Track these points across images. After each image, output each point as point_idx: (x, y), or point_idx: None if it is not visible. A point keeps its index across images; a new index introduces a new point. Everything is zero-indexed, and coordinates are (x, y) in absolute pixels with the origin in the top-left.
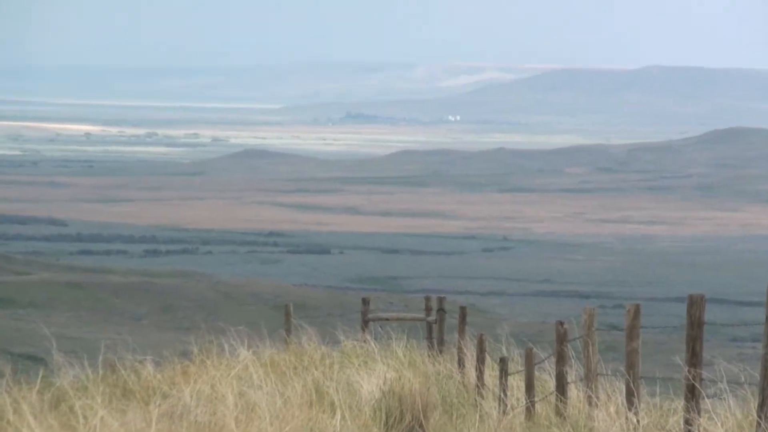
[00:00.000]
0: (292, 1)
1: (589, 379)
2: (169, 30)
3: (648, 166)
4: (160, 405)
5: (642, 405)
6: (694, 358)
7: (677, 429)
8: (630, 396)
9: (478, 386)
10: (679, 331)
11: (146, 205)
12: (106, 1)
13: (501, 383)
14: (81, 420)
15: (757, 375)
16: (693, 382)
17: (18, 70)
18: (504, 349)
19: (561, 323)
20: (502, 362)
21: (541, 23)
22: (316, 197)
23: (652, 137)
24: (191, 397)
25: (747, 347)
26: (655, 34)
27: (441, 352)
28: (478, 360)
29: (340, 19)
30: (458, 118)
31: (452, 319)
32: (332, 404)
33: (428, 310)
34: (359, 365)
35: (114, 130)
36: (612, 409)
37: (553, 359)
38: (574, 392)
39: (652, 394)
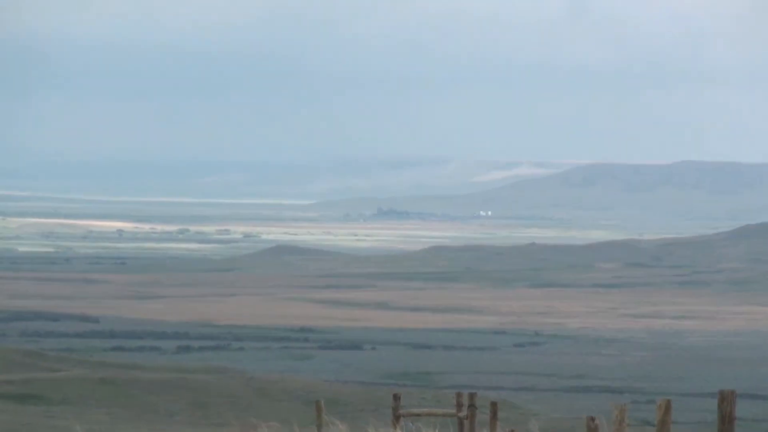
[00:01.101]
0: (321, 97)
1: None
2: (199, 126)
3: (680, 261)
4: None
5: None
6: None
7: None
8: None
9: None
10: (711, 427)
11: (178, 302)
12: (136, 98)
13: None
14: None
15: None
16: None
17: (50, 166)
18: None
19: (592, 419)
20: None
21: (574, 118)
22: (348, 293)
23: (685, 232)
24: None
25: None
26: (687, 129)
27: None
28: None
29: (371, 115)
30: (490, 213)
31: (483, 415)
32: None
33: (459, 405)
34: None
35: (146, 227)
36: None
37: None
38: None
39: None
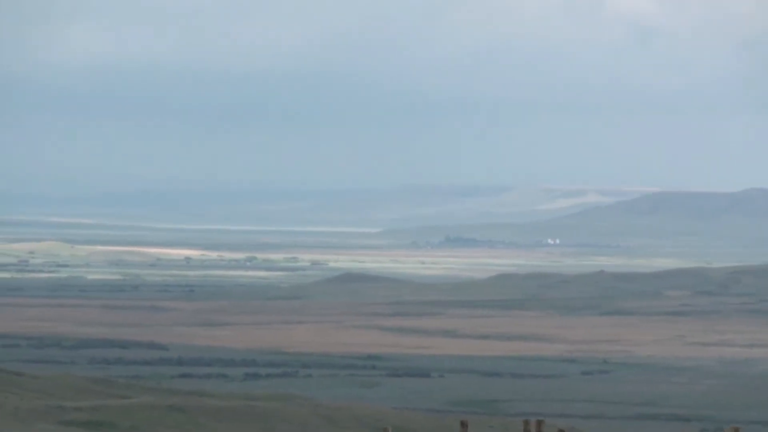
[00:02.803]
0: (387, 124)
1: None
2: (265, 154)
3: (749, 289)
4: None
5: None
6: None
7: None
8: None
9: None
10: None
11: (246, 329)
12: (202, 126)
13: None
14: None
15: None
16: None
17: (117, 194)
18: None
19: None
20: None
21: (641, 146)
22: (415, 320)
23: (754, 260)
24: None
25: None
26: (755, 156)
27: None
28: None
29: (437, 142)
30: (557, 241)
31: None
32: None
33: None
34: None
35: (213, 254)
36: None
37: None
38: None
39: None
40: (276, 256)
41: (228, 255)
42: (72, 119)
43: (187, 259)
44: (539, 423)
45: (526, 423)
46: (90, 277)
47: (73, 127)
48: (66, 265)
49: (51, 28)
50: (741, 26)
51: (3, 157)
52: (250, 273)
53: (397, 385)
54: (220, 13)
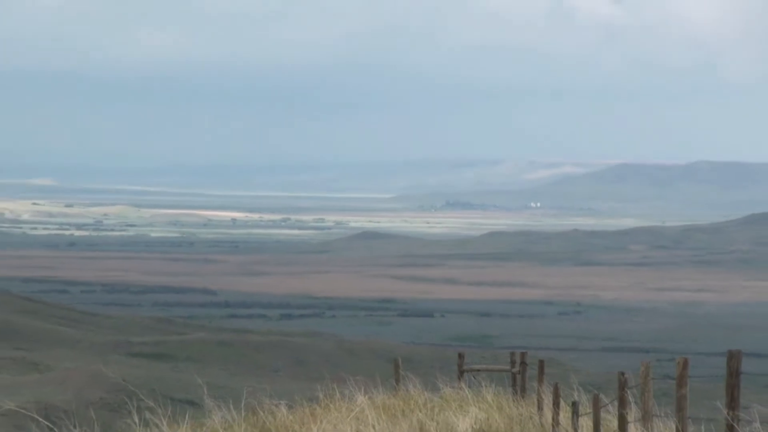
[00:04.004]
0: (398, 106)
1: (645, 419)
2: (296, 133)
3: (698, 244)
4: None
5: None
6: (733, 402)
7: None
8: None
9: (553, 426)
10: (721, 380)
11: (282, 278)
12: (247, 111)
13: (573, 423)
14: None
15: None
16: (732, 422)
17: (176, 167)
18: (576, 395)
19: (622, 373)
20: (574, 406)
21: (606, 126)
22: (422, 270)
23: (701, 220)
24: None
25: None
26: (702, 133)
27: (523, 397)
28: (554, 404)
29: (439, 122)
30: (539, 204)
31: (532, 371)
32: None
33: (513, 363)
34: (456, 408)
35: (255, 216)
36: None
37: (616, 403)
38: (634, 430)
39: None
40: (306, 217)
41: (267, 216)
42: (140, 106)
43: (233, 220)
44: (523, 354)
45: (512, 354)
46: (153, 235)
47: (140, 112)
48: (133, 225)
49: (123, 30)
50: (684, 26)
51: (83, 135)
52: (285, 231)
53: (407, 323)
54: (266, 14)
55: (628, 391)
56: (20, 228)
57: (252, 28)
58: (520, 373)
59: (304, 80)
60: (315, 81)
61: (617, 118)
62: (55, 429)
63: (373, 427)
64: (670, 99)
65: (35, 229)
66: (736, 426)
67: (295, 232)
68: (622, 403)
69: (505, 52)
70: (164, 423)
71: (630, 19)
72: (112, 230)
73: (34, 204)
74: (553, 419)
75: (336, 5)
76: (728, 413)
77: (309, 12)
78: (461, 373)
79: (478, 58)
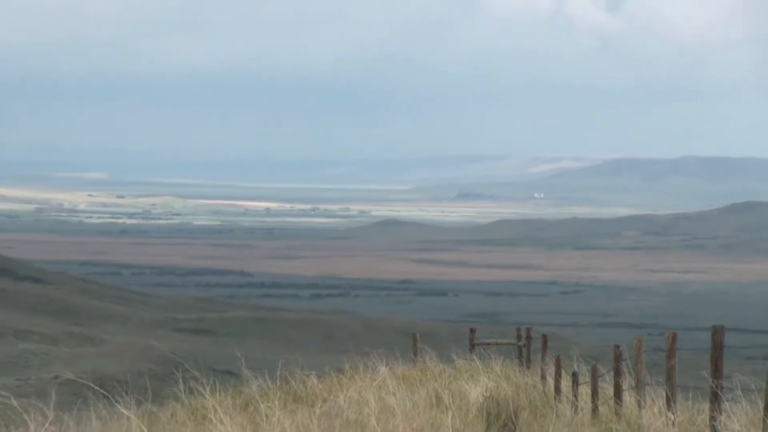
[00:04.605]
0: (413, 107)
1: (638, 387)
2: (324, 131)
3: (685, 230)
4: (321, 407)
5: (678, 407)
6: (717, 372)
7: (704, 425)
8: (669, 400)
9: (555, 393)
10: (706, 353)
11: (312, 261)
12: (280, 113)
13: (573, 391)
14: (264, 419)
15: (764, 384)
16: (716, 389)
17: (217, 162)
18: (575, 365)
19: (617, 347)
20: (574, 376)
21: (603, 124)
22: (437, 254)
23: (688, 209)
24: (344, 401)
25: (758, 364)
26: (690, 131)
27: (528, 368)
28: (556, 374)
29: (452, 120)
30: (542, 195)
31: (536, 344)
32: (447, 406)
33: (519, 337)
34: (467, 378)
35: (287, 206)
36: (655, 410)
37: (612, 373)
38: (628, 397)
39: (686, 399)
40: (333, 207)
41: (298, 206)
42: (184, 107)
43: (268, 209)
44: (528, 330)
45: (518, 330)
46: (196, 223)
47: (184, 113)
48: (178, 214)
49: (168, 36)
50: (673, 33)
51: (133, 134)
52: (314, 220)
53: (424, 302)
54: (295, 22)
55: (623, 362)
56: (77, 217)
57: (282, 36)
58: (526, 347)
59: (330, 85)
60: (339, 85)
61: (612, 117)
62: (110, 396)
63: (394, 394)
64: (661, 100)
65: (90, 218)
66: (719, 393)
67: (323, 220)
68: (618, 373)
69: (511, 56)
70: (207, 391)
71: (624, 25)
72: (159, 219)
73: (90, 195)
74: (555, 387)
75: (357, 15)
76: (713, 382)
77: (333, 21)
78: (473, 346)
79: (486, 62)
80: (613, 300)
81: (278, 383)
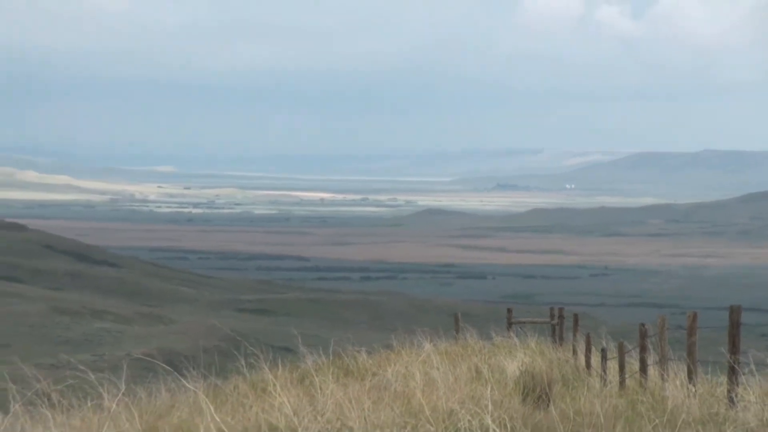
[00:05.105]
0: (456, 104)
1: (662, 362)
2: (373, 128)
3: (704, 218)
4: (370, 380)
5: (698, 380)
6: (734, 348)
7: (722, 396)
8: (690, 374)
9: (586, 368)
10: (725, 330)
11: (362, 247)
12: (336, 111)
13: (602, 365)
14: (318, 390)
15: None
16: (733, 364)
17: (275, 156)
18: (604, 342)
19: (642, 325)
20: (603, 351)
21: (628, 121)
22: (477, 240)
23: (707, 199)
24: (392, 375)
25: None
26: (708, 127)
27: (561, 344)
28: (586, 350)
29: (491, 117)
30: (573, 186)
31: (568, 323)
32: (487, 380)
33: (552, 316)
34: (505, 353)
35: (339, 197)
36: (678, 383)
37: (638, 349)
38: (652, 371)
39: (705, 373)
40: (381, 197)
41: (349, 197)
42: (244, 106)
43: (322, 199)
44: (560, 309)
45: (552, 309)
46: (256, 212)
47: (244, 112)
48: (240, 204)
49: (229, 42)
50: (690, 37)
51: (198, 131)
52: (364, 209)
53: (464, 284)
54: (345, 28)
55: (648, 339)
56: (147, 207)
57: (332, 41)
58: (559, 325)
59: (377, 84)
60: (386, 85)
61: (636, 115)
62: (177, 371)
63: (437, 368)
64: (681, 99)
65: (159, 207)
66: (736, 367)
67: (372, 209)
68: (643, 349)
69: (544, 58)
70: (266, 366)
71: (646, 31)
72: (223, 208)
73: (159, 187)
74: (585, 362)
75: (401, 22)
76: (730, 357)
77: (379, 27)
78: (510, 324)
79: (521, 63)
80: (638, 282)
81: (331, 359)
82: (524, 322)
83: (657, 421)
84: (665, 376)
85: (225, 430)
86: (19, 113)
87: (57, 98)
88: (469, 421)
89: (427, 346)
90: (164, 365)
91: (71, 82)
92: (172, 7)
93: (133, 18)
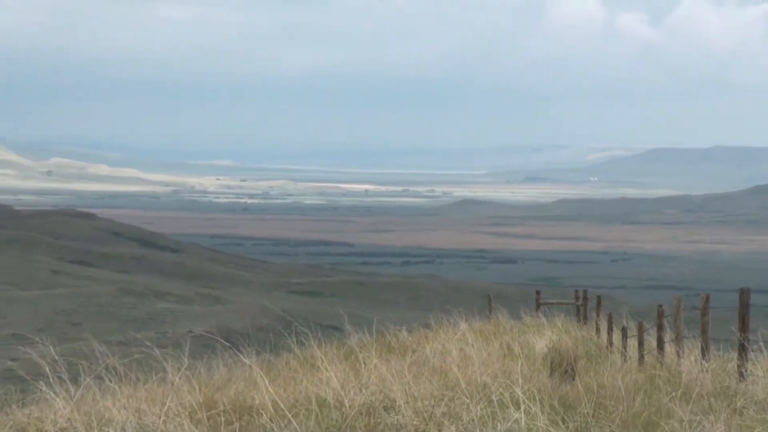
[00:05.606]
0: (487, 104)
1: (677, 340)
2: (416, 126)
3: (716, 208)
4: (411, 356)
5: (711, 356)
6: (744, 327)
7: (732, 371)
8: (703, 351)
9: (608, 345)
10: (735, 311)
11: (403, 233)
12: (379, 108)
13: (623, 343)
14: (363, 365)
15: None
16: (743, 342)
17: (323, 151)
18: (624, 321)
19: (660, 305)
20: (623, 330)
21: (647, 118)
22: (508, 228)
23: (718, 190)
24: (430, 351)
25: None
26: (719, 124)
27: (585, 324)
28: (608, 329)
29: (521, 115)
30: (596, 179)
31: (592, 304)
32: (517, 356)
33: (577, 297)
34: (534, 332)
35: (382, 188)
36: (692, 359)
37: (655, 328)
38: (669, 348)
39: (717, 350)
40: (420, 188)
41: (391, 188)
42: (295, 104)
43: (366, 191)
44: (584, 291)
45: (576, 291)
46: (306, 202)
47: (295, 110)
48: (291, 195)
49: (284, 45)
50: (704, 41)
51: (253, 127)
52: (405, 199)
53: (497, 268)
54: (385, 35)
55: (665, 319)
56: (207, 197)
57: (376, 45)
58: (583, 306)
59: (418, 86)
60: (426, 86)
61: (654, 114)
62: (234, 347)
63: (472, 346)
64: (694, 99)
65: (218, 198)
66: (746, 345)
67: (412, 199)
68: (660, 328)
69: (569, 62)
70: (315, 343)
71: (663, 36)
72: (275, 199)
73: (217, 179)
74: (607, 340)
75: (438, 27)
76: (740, 335)
77: (417, 33)
78: (538, 305)
79: (548, 66)
80: (655, 267)
81: (375, 336)
82: (551, 303)
83: (673, 393)
84: (681, 352)
85: (278, 401)
86: (92, 111)
87: (126, 97)
88: (501, 393)
89: (463, 325)
90: (222, 342)
91: (140, 82)
92: (230, 13)
93: (196, 24)
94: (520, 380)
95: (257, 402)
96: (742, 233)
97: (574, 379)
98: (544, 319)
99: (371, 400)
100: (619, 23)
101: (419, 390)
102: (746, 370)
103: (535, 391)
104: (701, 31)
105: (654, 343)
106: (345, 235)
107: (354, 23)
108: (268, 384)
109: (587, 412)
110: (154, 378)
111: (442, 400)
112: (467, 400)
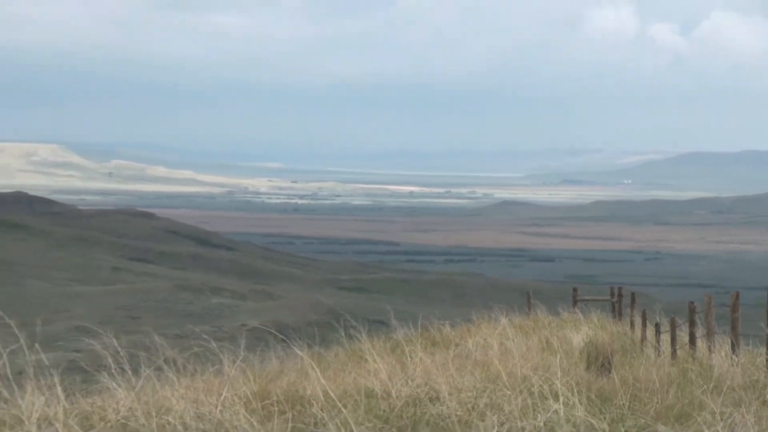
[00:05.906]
0: (527, 108)
1: (708, 335)
2: (461, 130)
3: (745, 210)
4: (454, 350)
5: (740, 351)
6: None
7: (761, 365)
8: (733, 346)
9: (642, 340)
10: (763, 308)
11: (446, 233)
12: (420, 114)
13: (656, 338)
14: (408, 358)
15: None
16: None
17: (366, 154)
18: (658, 318)
19: (692, 303)
20: (657, 326)
21: (679, 124)
22: (545, 228)
23: (747, 193)
24: (472, 345)
25: None
26: (748, 129)
27: (620, 320)
28: (642, 324)
29: (559, 119)
30: (630, 181)
31: (626, 300)
32: (556, 350)
33: (612, 294)
34: (571, 327)
35: (427, 189)
36: (722, 354)
37: (687, 324)
38: (700, 344)
39: (747, 345)
40: (462, 190)
41: (435, 190)
42: (341, 110)
43: (411, 192)
44: (619, 289)
45: (612, 289)
46: (353, 203)
47: (341, 115)
48: (339, 196)
49: (330, 54)
50: (732, 52)
51: (303, 131)
52: (448, 200)
53: (535, 266)
54: (421, 42)
55: (696, 315)
56: (259, 198)
57: (422, 54)
58: (618, 302)
59: (460, 92)
60: (467, 93)
61: (685, 119)
62: (286, 341)
63: (512, 340)
64: (724, 104)
65: (270, 198)
66: None
67: (455, 201)
68: (692, 324)
69: (604, 69)
70: (363, 337)
71: (693, 46)
72: (324, 200)
73: (269, 181)
74: (641, 335)
75: (479, 37)
76: None
77: (460, 41)
78: (575, 302)
79: (584, 73)
80: (686, 265)
81: (420, 331)
82: (588, 300)
83: (705, 386)
84: (712, 347)
85: (329, 391)
86: (150, 115)
87: (184, 102)
88: (540, 385)
89: (503, 320)
90: (275, 335)
91: (195, 88)
92: (280, 22)
93: (248, 33)
94: (558, 373)
95: (309, 392)
96: None
97: (610, 372)
98: (580, 315)
99: (417, 392)
100: (652, 33)
101: (462, 382)
102: None
103: (573, 384)
104: (730, 41)
105: (686, 339)
106: (390, 235)
107: (398, 34)
108: (319, 375)
109: (623, 404)
110: (211, 369)
111: (485, 391)
112: (508, 392)
